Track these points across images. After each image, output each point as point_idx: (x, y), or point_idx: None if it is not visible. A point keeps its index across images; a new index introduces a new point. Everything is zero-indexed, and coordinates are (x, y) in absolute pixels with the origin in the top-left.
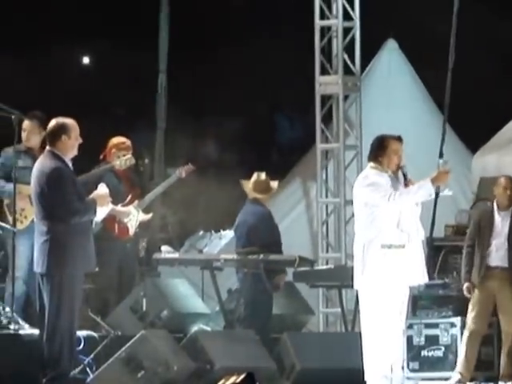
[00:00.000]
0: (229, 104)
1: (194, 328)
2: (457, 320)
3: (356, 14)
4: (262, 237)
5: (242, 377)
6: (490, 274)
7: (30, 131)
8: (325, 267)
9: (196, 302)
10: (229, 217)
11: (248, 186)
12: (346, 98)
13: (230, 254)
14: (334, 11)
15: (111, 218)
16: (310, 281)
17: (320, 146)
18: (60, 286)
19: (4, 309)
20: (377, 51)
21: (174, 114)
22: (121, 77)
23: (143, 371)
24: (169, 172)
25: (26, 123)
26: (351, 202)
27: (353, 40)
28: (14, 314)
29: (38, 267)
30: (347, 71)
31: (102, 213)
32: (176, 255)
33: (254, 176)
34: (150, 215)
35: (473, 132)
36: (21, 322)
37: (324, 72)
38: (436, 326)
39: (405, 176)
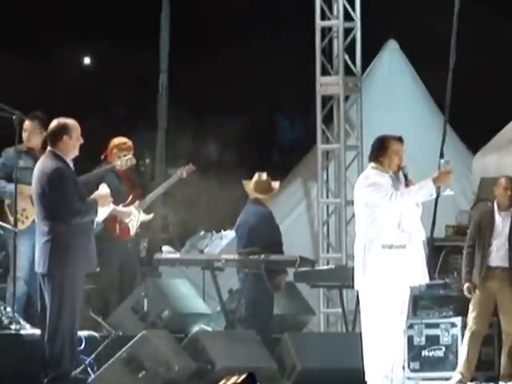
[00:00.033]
0: (230, 104)
1: (195, 328)
2: (457, 320)
3: (357, 14)
4: (263, 237)
5: (242, 377)
6: (491, 275)
7: (30, 131)
8: (325, 267)
9: (197, 302)
10: (230, 217)
11: (249, 186)
12: (346, 98)
13: (231, 255)
14: (335, 12)
15: (112, 219)
16: (310, 281)
17: (321, 146)
18: (61, 287)
19: (5, 309)
20: (377, 52)
21: (175, 114)
22: (122, 77)
23: (144, 371)
24: (170, 172)
25: (27, 123)
26: (352, 203)
27: (354, 40)
28: (16, 314)
29: (40, 267)
30: (348, 72)
31: (103, 213)
32: (177, 255)
33: (256, 176)
34: (151, 215)
35: (473, 132)
36: (22, 322)
37: (325, 72)
38: (437, 326)
39: (405, 176)
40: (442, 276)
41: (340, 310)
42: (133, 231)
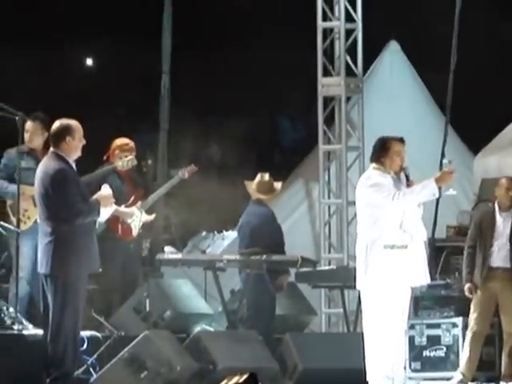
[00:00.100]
0: (232, 105)
1: (197, 328)
2: (458, 320)
3: (358, 15)
4: (265, 237)
5: (244, 377)
6: (492, 275)
7: (32, 132)
8: (327, 268)
9: (199, 302)
10: (232, 217)
11: (251, 186)
12: (348, 99)
13: (232, 255)
14: (337, 13)
15: (114, 219)
16: (312, 281)
17: (322, 147)
18: (64, 287)
19: (8, 309)
20: (379, 53)
21: (177, 115)
22: (124, 78)
23: (146, 371)
24: (172, 173)
25: (29, 124)
26: (353, 203)
27: (355, 42)
28: (18, 314)
29: (42, 268)
30: (349, 73)
31: (105, 213)
32: (179, 256)
33: (258, 177)
34: (153, 216)
35: (475, 133)
36: (24, 322)
37: (326, 73)
38: (438, 326)
39: (407, 177)
40: (443, 276)
41: (341, 310)
42: (135, 232)
